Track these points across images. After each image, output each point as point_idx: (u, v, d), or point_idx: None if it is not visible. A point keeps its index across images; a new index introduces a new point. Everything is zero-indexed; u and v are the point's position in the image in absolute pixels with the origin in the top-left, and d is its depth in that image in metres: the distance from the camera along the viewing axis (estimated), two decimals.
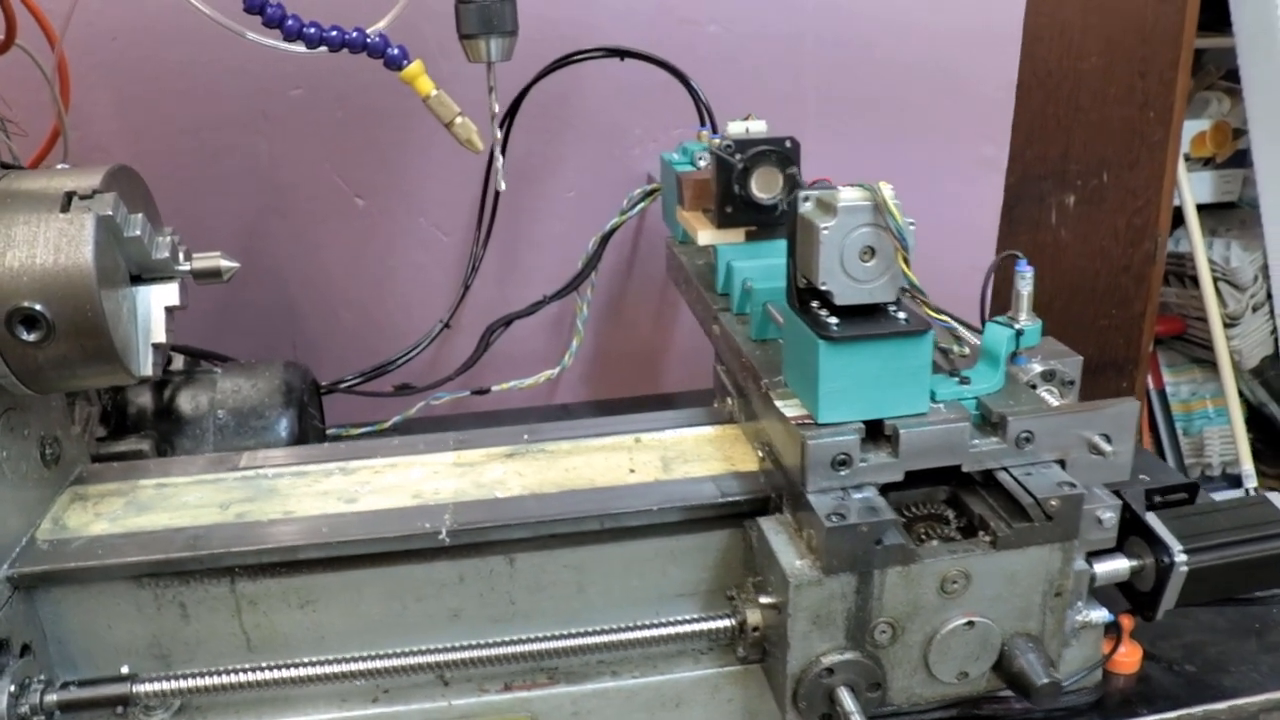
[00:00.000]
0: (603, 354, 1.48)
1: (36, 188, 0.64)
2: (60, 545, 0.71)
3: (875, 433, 0.66)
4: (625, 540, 0.75)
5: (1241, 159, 2.54)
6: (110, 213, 0.63)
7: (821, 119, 1.37)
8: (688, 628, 0.72)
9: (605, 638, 0.72)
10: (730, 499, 0.74)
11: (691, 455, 0.81)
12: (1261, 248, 2.31)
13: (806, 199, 0.66)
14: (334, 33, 0.65)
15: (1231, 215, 2.57)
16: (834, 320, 0.65)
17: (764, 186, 0.89)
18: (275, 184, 1.26)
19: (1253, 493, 2.18)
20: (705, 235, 0.93)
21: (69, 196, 0.63)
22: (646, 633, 0.72)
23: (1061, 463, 0.68)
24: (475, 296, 1.33)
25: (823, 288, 0.64)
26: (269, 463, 0.82)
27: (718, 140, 0.92)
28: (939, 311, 0.66)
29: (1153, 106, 2.07)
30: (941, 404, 0.67)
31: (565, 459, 0.82)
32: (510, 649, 0.71)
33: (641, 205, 1.24)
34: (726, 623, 0.72)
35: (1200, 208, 2.36)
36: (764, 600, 0.67)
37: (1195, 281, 2.39)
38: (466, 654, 0.71)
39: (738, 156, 0.88)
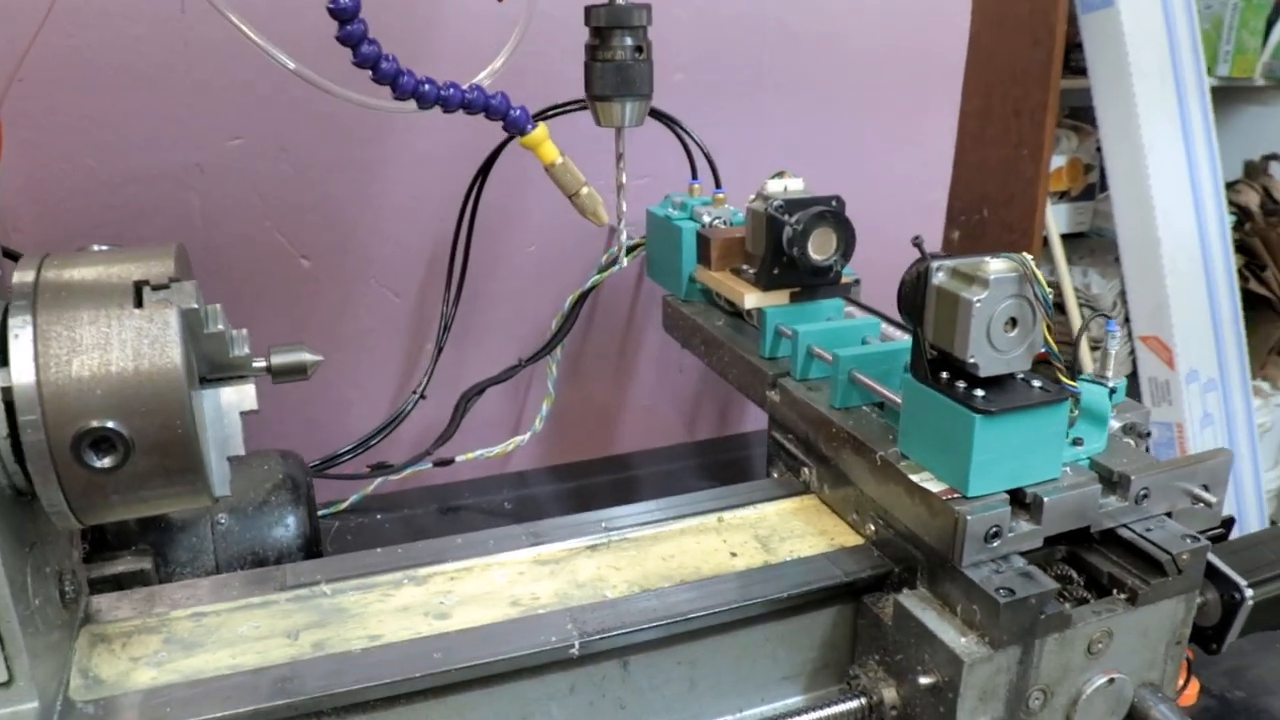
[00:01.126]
0: (556, 415, 1.45)
1: (92, 277, 0.56)
2: (110, 707, 0.61)
3: (1015, 500, 0.69)
4: (739, 629, 0.74)
5: (1090, 192, 2.83)
6: (195, 305, 0.56)
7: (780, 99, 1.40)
8: (818, 713, 0.72)
9: None
10: (853, 578, 0.74)
11: (785, 532, 0.81)
12: (1118, 274, 2.58)
13: (940, 269, 0.68)
14: (451, 90, 0.61)
15: (1083, 244, 2.86)
16: (979, 392, 0.67)
17: (819, 248, 0.91)
18: (210, 243, 1.15)
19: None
20: (751, 298, 0.94)
21: (140, 287, 0.55)
22: None
23: (1168, 514, 0.73)
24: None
25: (970, 360, 0.66)
26: (321, 576, 0.74)
27: (759, 200, 0.93)
28: (1071, 376, 0.69)
29: (1026, 145, 2.28)
30: (1067, 468, 0.71)
31: (654, 546, 0.79)
32: None
33: (623, 263, 1.23)
34: (855, 704, 0.72)
35: (1061, 238, 2.60)
36: (923, 681, 0.67)
37: (1061, 308, 2.62)
38: None
39: (792, 218, 0.89)
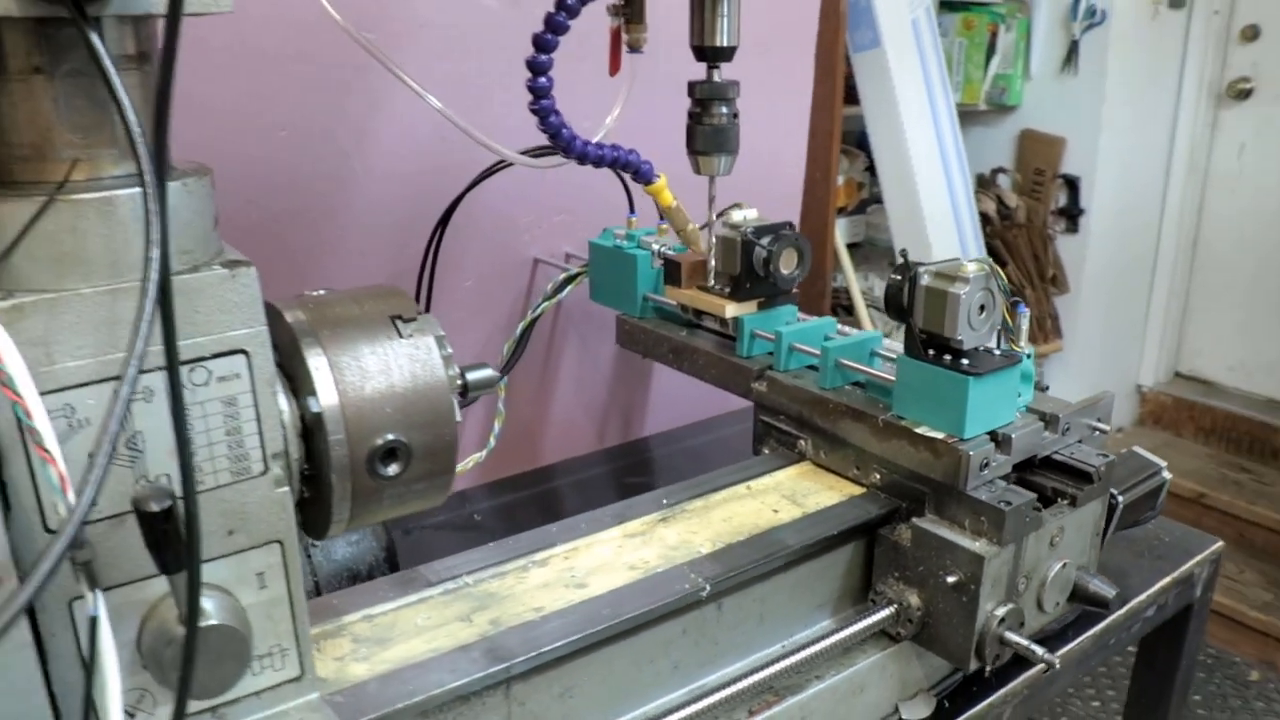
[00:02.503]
0: (484, 436, 1.60)
1: (352, 314, 0.69)
2: (360, 693, 0.73)
3: (993, 439, 0.96)
4: (795, 567, 0.96)
5: (862, 207, 3.31)
6: (442, 333, 0.71)
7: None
8: (860, 625, 0.95)
9: (813, 649, 0.92)
10: (875, 514, 0.99)
11: (803, 490, 1.05)
12: None
13: (925, 273, 0.94)
14: (595, 147, 0.78)
15: (860, 253, 3.33)
16: (965, 361, 0.94)
17: (787, 264, 1.15)
18: None
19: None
20: (731, 308, 1.16)
21: (394, 320, 0.69)
22: (837, 637, 0.94)
23: (1079, 441, 1.04)
24: None
25: (958, 338, 0.93)
26: (455, 572, 0.88)
27: (725, 225, 1.16)
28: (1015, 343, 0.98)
29: (818, 167, 2.68)
30: (1018, 413, 0.99)
31: (712, 513, 1.00)
32: (754, 678, 0.88)
33: (569, 289, 1.42)
34: (888, 611, 0.97)
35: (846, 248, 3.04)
36: (950, 580, 0.93)
37: (850, 309, 3.06)
38: (727, 692, 0.87)
39: (765, 241, 1.13)
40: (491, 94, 1.37)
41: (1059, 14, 3.30)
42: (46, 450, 0.50)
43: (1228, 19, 3.31)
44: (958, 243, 2.97)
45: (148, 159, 0.50)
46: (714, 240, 1.04)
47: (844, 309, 3.17)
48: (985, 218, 3.29)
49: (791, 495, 1.04)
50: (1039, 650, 0.92)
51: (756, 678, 0.88)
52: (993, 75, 3.40)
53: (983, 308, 0.94)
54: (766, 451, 1.16)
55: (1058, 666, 0.93)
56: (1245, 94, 3.32)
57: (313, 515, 0.68)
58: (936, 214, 2.87)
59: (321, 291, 0.73)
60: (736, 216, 1.19)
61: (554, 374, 1.64)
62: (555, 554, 0.92)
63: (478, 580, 0.88)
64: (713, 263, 1.08)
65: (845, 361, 1.07)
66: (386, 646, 0.79)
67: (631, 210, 1.44)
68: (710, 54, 0.84)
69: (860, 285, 3.15)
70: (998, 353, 0.96)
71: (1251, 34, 3.26)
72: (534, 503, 1.53)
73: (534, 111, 0.74)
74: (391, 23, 1.29)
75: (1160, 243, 3.56)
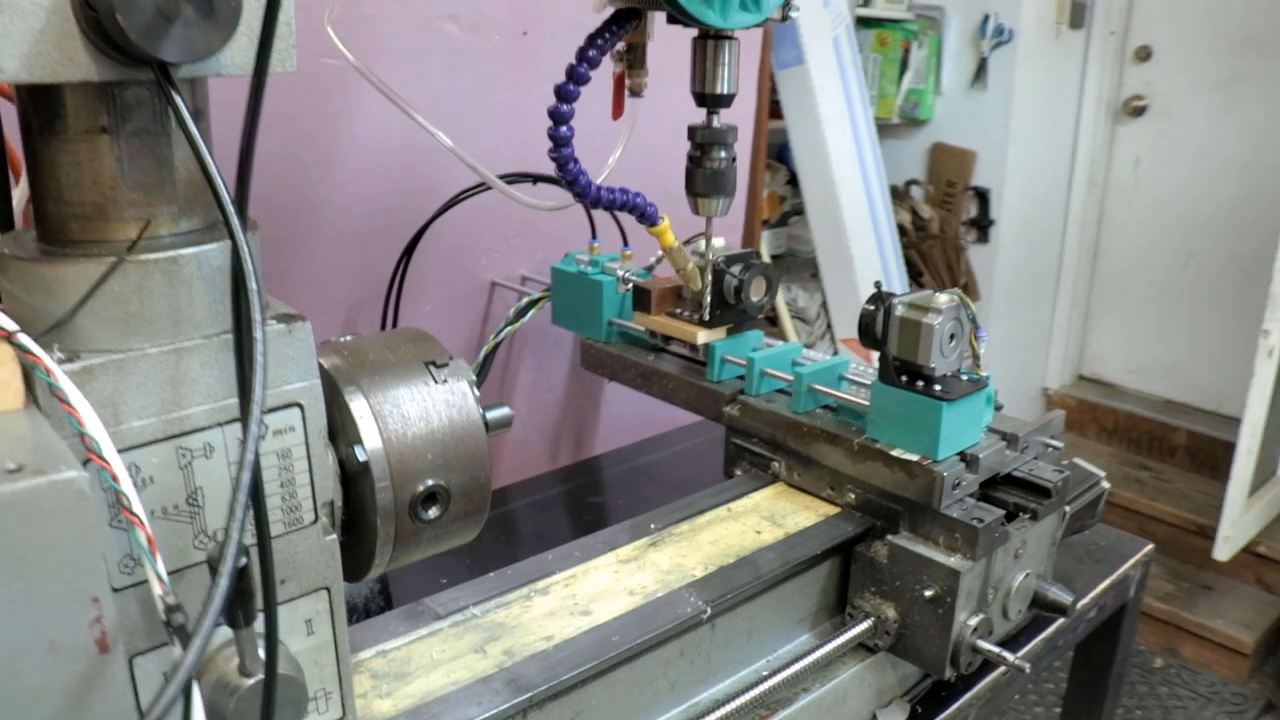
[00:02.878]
0: None
1: (388, 361, 0.72)
2: None
3: (962, 459, 1.03)
4: (780, 585, 1.02)
5: (784, 220, 3.41)
6: (473, 377, 0.74)
7: None
8: (842, 638, 1.02)
9: (802, 663, 0.97)
10: (852, 533, 1.05)
11: (781, 511, 1.10)
12: (818, 288, 3.15)
13: (899, 304, 1.01)
14: (607, 192, 0.81)
15: (782, 264, 3.43)
16: (937, 388, 1.01)
17: (756, 292, 1.21)
18: None
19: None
20: (703, 335, 1.21)
21: (429, 365, 0.72)
22: (819, 653, 0.99)
23: (1035, 458, 1.12)
24: None
25: (930, 366, 0.99)
26: (461, 604, 0.91)
27: (699, 255, 1.21)
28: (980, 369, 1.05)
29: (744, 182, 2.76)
30: (982, 434, 1.07)
31: (698, 536, 1.05)
32: (749, 695, 0.93)
33: (531, 314, 1.45)
34: (866, 624, 1.03)
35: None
36: (927, 594, 0.99)
37: (774, 320, 3.16)
38: (728, 708, 0.91)
39: (735, 269, 1.18)
40: (455, 119, 1.39)
41: (968, 32, 3.46)
42: (134, 514, 0.51)
43: (1123, 39, 3.53)
44: (877, 254, 3.10)
45: (236, 216, 0.52)
46: (710, 277, 1.09)
47: (769, 320, 3.26)
48: (901, 229, 3.42)
49: (771, 516, 1.10)
50: (1010, 657, 1.00)
51: (753, 694, 0.93)
52: (906, 90, 3.55)
53: (953, 336, 1.01)
54: (739, 473, 1.21)
55: (1028, 670, 1.01)
56: (1140, 110, 3.54)
57: (352, 559, 0.70)
58: (857, 226, 2.98)
59: (349, 338, 0.75)
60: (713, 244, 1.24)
61: (509, 395, 1.66)
62: (555, 582, 0.95)
63: (484, 611, 0.91)
64: (708, 298, 1.13)
65: (818, 387, 1.13)
66: (406, 681, 0.81)
67: (594, 236, 1.48)
68: (710, 100, 0.88)
69: (784, 296, 3.25)
70: (965, 378, 1.04)
71: (1144, 54, 3.48)
72: (496, 524, 1.55)
73: (554, 159, 0.77)
74: (354, 50, 1.30)
75: (1064, 252, 3.77)
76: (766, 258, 3.06)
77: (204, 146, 0.52)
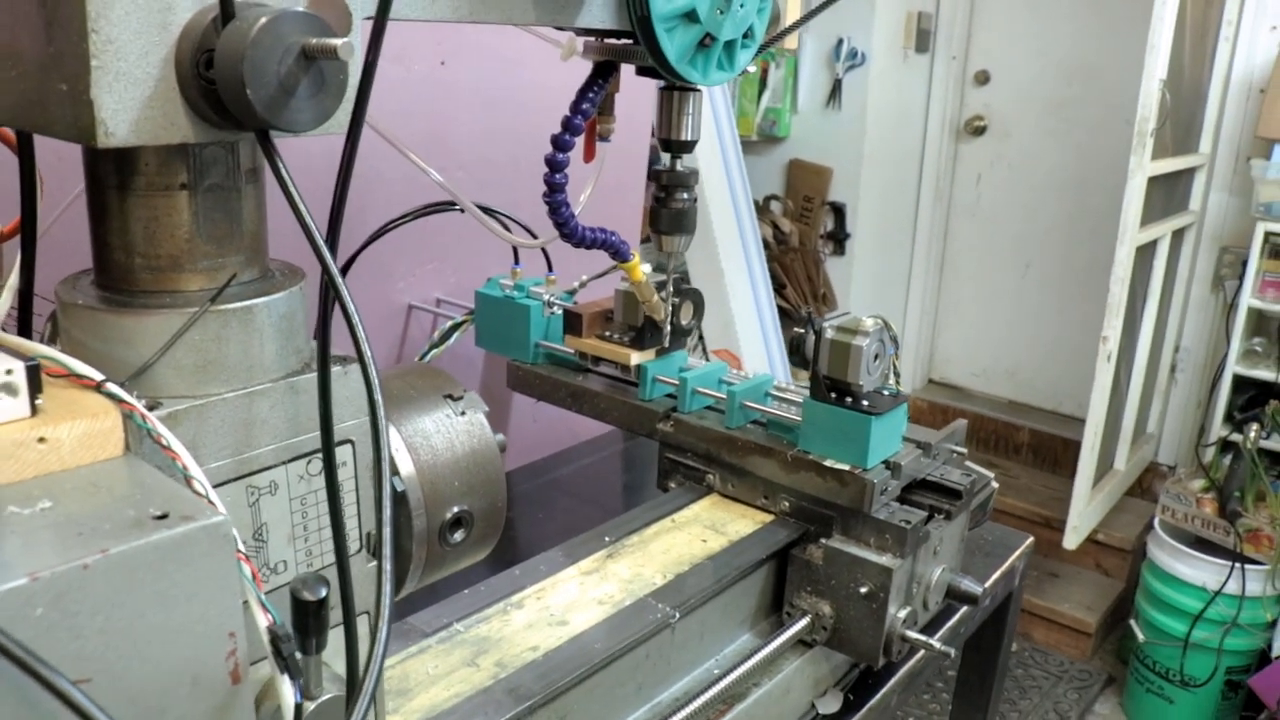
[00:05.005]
0: None
1: (406, 394, 0.78)
2: None
3: (886, 467, 1.17)
4: (725, 591, 1.13)
5: None
6: (487, 408, 0.81)
7: None
8: (787, 634, 1.14)
9: (754, 659, 1.09)
10: (790, 538, 1.17)
11: (721, 520, 1.21)
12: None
13: (829, 328, 1.14)
14: (589, 231, 0.89)
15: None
16: (865, 403, 1.14)
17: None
18: None
19: None
20: (636, 356, 1.31)
21: (448, 398, 0.80)
22: (768, 650, 1.11)
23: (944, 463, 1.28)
24: None
25: (860, 383, 1.13)
26: (444, 620, 0.97)
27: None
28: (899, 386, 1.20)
29: None
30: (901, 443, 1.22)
31: (650, 546, 1.14)
32: (710, 693, 1.04)
33: (456, 336, 1.51)
34: (805, 621, 1.15)
35: None
36: (862, 590, 1.12)
37: None
38: (690, 708, 1.01)
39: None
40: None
41: (823, 54, 3.70)
42: (240, 550, 0.57)
43: (963, 64, 3.85)
44: (745, 267, 3.27)
45: (333, 264, 0.58)
46: (668, 299, 1.19)
47: None
48: (764, 243, 3.62)
49: (712, 525, 1.21)
50: (937, 644, 1.14)
51: (712, 692, 1.04)
52: (764, 109, 3.76)
53: (877, 356, 1.15)
54: (674, 486, 1.32)
55: (952, 654, 1.15)
56: (980, 130, 3.87)
57: None
58: (726, 240, 3.15)
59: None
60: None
61: None
62: (528, 595, 1.03)
63: (467, 626, 0.97)
64: (668, 328, 1.23)
65: (749, 403, 1.25)
66: (410, 697, 0.87)
67: (516, 261, 1.56)
68: (675, 146, 0.98)
69: None
70: (886, 393, 1.18)
71: (984, 78, 3.82)
72: None
73: (548, 203, 0.85)
74: None
75: (913, 263, 4.07)
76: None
77: (301, 201, 0.58)
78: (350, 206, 1.40)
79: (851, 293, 3.87)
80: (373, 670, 0.57)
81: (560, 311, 1.42)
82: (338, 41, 0.54)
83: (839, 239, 3.85)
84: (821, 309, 3.83)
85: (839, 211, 3.82)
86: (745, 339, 3.27)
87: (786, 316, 3.72)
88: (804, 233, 3.82)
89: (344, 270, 1.41)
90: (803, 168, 3.84)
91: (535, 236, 1.50)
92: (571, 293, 1.49)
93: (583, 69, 0.97)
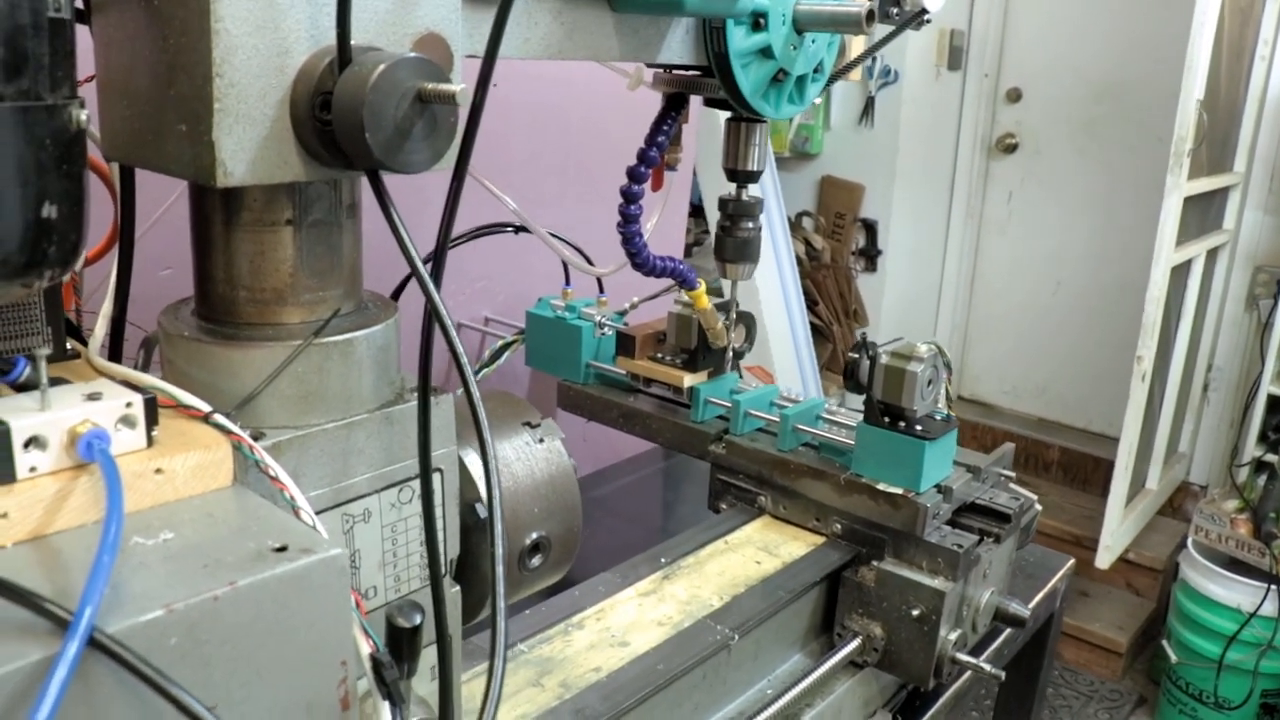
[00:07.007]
0: None
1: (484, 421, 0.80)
2: None
3: (938, 490, 1.18)
4: (782, 610, 1.14)
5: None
6: (564, 437, 0.83)
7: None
8: (839, 655, 1.14)
9: (808, 680, 1.09)
10: (842, 561, 1.18)
11: (773, 542, 1.22)
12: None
13: (883, 354, 1.15)
14: (659, 260, 0.91)
15: None
16: (918, 428, 1.15)
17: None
18: None
19: None
20: (689, 378, 1.33)
21: (526, 425, 0.81)
22: (823, 669, 1.12)
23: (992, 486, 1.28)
24: None
25: (912, 409, 1.14)
26: (513, 640, 0.99)
27: (679, 303, 1.32)
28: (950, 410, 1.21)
29: None
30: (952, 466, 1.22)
31: (705, 567, 1.15)
32: (767, 714, 1.05)
33: (507, 355, 1.52)
34: (856, 643, 1.16)
35: None
36: (914, 613, 1.13)
37: None
38: None
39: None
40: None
41: (856, 72, 3.70)
42: None
43: (995, 81, 3.85)
44: (779, 283, 3.28)
45: (439, 299, 0.60)
46: (731, 325, 1.21)
47: None
48: (797, 259, 3.63)
49: (765, 547, 1.21)
50: (987, 666, 1.15)
51: (769, 712, 1.05)
52: (797, 125, 3.77)
53: (930, 381, 1.16)
54: (725, 507, 1.33)
55: (1003, 677, 1.16)
56: (1012, 148, 3.86)
57: (463, 606, 0.78)
58: (761, 256, 3.16)
59: (448, 393, 0.83)
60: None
61: None
62: (588, 616, 1.04)
63: (530, 647, 0.99)
64: (730, 354, 1.25)
65: (801, 426, 1.26)
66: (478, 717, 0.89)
67: (567, 282, 1.57)
68: (741, 176, 1.00)
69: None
70: (938, 418, 1.18)
71: (1015, 95, 3.81)
72: None
73: (622, 233, 0.87)
74: None
75: (944, 280, 4.06)
76: None
77: (408, 236, 0.59)
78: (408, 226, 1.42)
79: (883, 309, 3.87)
80: (491, 701, 0.58)
81: (611, 333, 1.44)
82: (455, 87, 0.55)
83: (870, 255, 3.85)
84: (853, 325, 3.83)
85: (870, 228, 3.82)
86: (779, 355, 3.27)
87: (818, 333, 3.72)
88: (836, 249, 3.82)
89: (398, 291, 1.43)
90: (835, 184, 3.85)
91: (587, 257, 1.52)
92: (622, 314, 1.50)
93: (625, 92, 0.98)
